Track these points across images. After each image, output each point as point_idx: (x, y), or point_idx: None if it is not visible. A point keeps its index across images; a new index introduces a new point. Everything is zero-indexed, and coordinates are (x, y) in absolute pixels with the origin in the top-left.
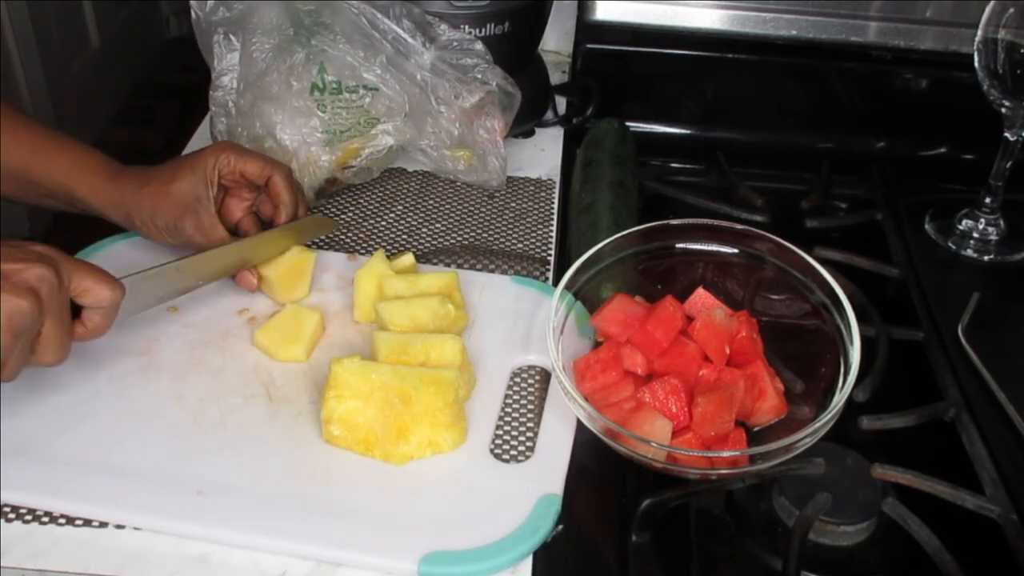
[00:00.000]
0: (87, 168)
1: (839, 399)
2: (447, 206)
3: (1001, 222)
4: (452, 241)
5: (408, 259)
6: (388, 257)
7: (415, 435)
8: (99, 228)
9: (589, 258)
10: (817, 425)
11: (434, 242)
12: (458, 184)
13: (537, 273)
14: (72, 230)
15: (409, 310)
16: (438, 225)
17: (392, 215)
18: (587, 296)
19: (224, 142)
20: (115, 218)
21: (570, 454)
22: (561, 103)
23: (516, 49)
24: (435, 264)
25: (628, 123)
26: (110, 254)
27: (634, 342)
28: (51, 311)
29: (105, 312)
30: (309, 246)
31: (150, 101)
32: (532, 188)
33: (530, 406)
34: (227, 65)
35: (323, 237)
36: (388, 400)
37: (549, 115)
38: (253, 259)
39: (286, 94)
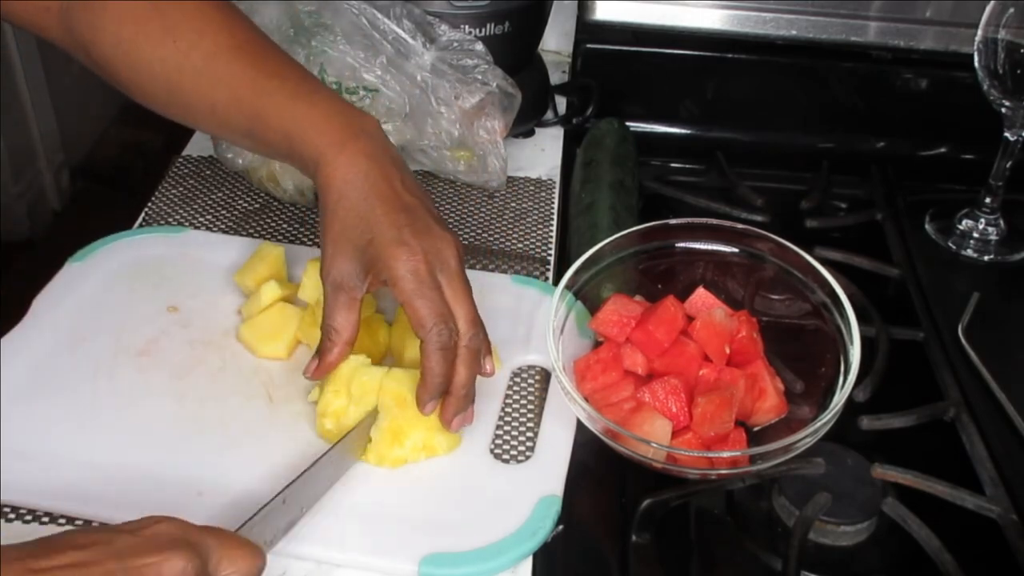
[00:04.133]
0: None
1: (839, 399)
2: (447, 206)
3: (1001, 222)
4: None
5: None
6: None
7: (410, 439)
8: (101, 227)
9: (589, 258)
10: (817, 425)
11: None
12: (458, 184)
13: (537, 273)
14: (72, 229)
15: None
16: None
17: None
18: (587, 296)
19: (419, 256)
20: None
21: (570, 454)
22: (561, 103)
23: (516, 49)
24: None
25: (628, 123)
26: (110, 253)
27: (634, 342)
28: None
29: None
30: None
31: None
32: (532, 188)
33: (530, 406)
34: None
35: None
36: (383, 403)
37: (549, 115)
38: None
39: None
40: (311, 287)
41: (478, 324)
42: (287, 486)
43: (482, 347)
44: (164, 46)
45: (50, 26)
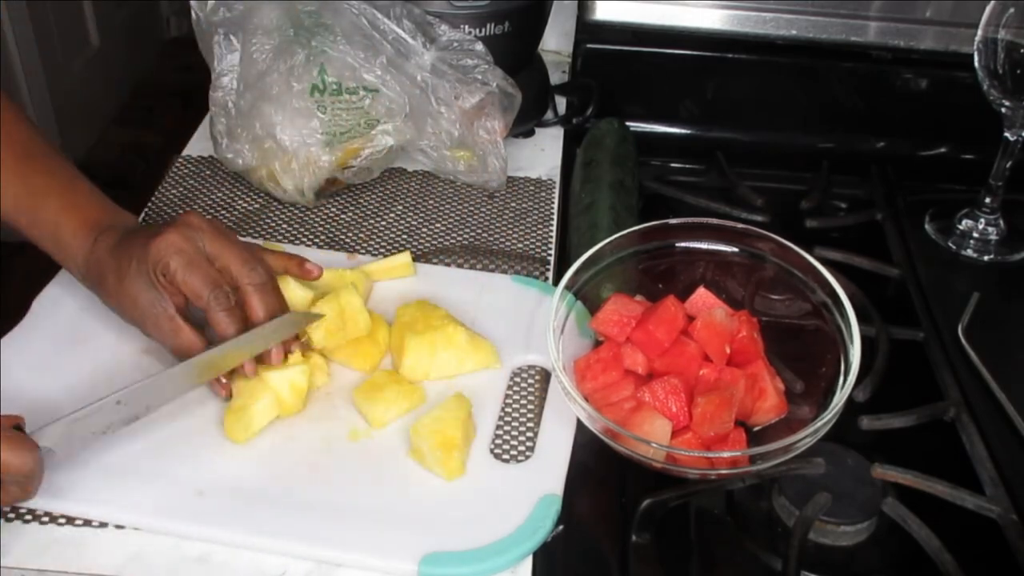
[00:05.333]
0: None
1: (839, 399)
2: (447, 206)
3: (1001, 222)
4: (452, 241)
5: (403, 258)
6: (384, 256)
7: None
8: None
9: (589, 258)
10: (817, 425)
11: (434, 242)
12: (458, 184)
13: (537, 273)
14: None
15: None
16: (438, 225)
17: (392, 215)
18: (587, 295)
19: (177, 233)
20: (87, 283)
21: (570, 454)
22: (561, 103)
23: (516, 49)
24: (435, 264)
25: (628, 123)
26: None
27: (635, 341)
28: None
29: (23, 481)
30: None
31: (150, 101)
32: (532, 188)
33: (530, 406)
34: (227, 65)
35: (323, 236)
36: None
37: (549, 115)
38: (216, 370)
39: (286, 95)
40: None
41: (250, 260)
42: (125, 388)
43: (265, 275)
44: None
45: None
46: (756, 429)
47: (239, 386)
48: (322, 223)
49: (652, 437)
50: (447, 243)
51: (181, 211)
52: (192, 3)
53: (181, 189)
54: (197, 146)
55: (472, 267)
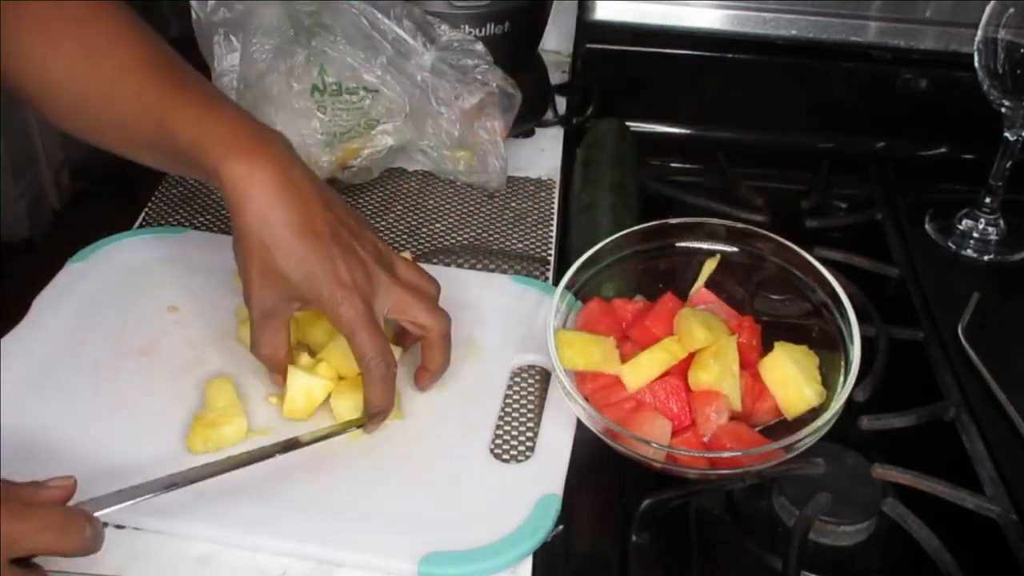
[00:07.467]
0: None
1: (839, 399)
2: (447, 206)
3: (1001, 222)
4: (452, 241)
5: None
6: None
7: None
8: (101, 227)
9: (589, 257)
10: (817, 425)
11: (434, 242)
12: (458, 184)
13: (537, 273)
14: (72, 229)
15: None
16: (438, 225)
17: (392, 215)
18: (587, 296)
19: (351, 296)
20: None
21: (570, 454)
22: (561, 103)
23: (516, 49)
24: (435, 264)
25: (628, 123)
26: (110, 253)
27: (634, 339)
28: None
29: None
30: None
31: None
32: (532, 188)
33: (530, 406)
34: (227, 66)
35: None
36: None
37: (549, 115)
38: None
39: (286, 95)
40: None
41: (436, 311)
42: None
43: (447, 327)
44: (76, 59)
45: None
46: (756, 429)
47: (214, 397)
48: None
49: (652, 437)
50: (447, 243)
51: (182, 211)
52: (192, 3)
53: (181, 189)
54: None
55: (472, 267)
